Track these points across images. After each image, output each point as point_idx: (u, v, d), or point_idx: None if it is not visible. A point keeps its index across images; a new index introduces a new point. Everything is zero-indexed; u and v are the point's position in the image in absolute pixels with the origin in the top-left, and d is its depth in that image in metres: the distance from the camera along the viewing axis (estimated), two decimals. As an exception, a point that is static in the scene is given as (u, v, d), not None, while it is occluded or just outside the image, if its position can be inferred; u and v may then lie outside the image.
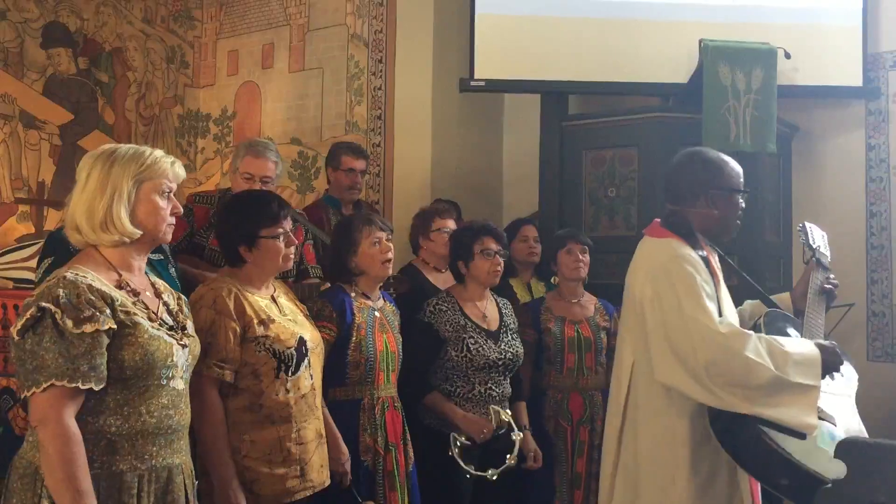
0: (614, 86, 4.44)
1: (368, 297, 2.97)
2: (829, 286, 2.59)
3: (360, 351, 2.84)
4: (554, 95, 4.49)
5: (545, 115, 4.51)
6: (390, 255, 2.95)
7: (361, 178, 4.20)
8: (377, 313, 2.95)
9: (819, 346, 2.35)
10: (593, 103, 4.90)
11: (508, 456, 3.04)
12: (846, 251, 4.51)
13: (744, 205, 2.56)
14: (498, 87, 4.65)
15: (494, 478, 3.01)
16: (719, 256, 2.62)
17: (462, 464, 2.97)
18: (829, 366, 2.32)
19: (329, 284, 3.09)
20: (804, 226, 2.74)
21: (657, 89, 4.42)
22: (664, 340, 2.36)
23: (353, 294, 2.93)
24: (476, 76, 4.42)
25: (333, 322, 2.81)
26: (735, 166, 2.58)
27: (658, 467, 2.42)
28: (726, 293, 2.53)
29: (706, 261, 2.45)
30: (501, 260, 3.23)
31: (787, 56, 4.08)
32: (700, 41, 4.05)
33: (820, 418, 2.27)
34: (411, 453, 2.97)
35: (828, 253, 2.70)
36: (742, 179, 2.56)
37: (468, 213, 4.30)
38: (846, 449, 3.84)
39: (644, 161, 4.16)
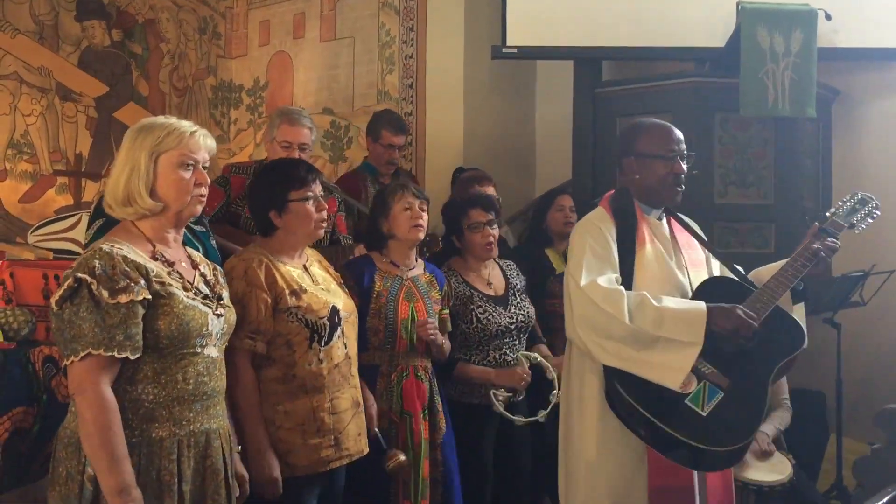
0: (649, 51, 4.35)
1: (398, 266, 2.98)
2: (822, 250, 2.48)
3: (379, 318, 2.86)
4: (587, 62, 4.43)
5: (578, 82, 4.44)
6: (421, 221, 2.96)
7: (399, 153, 4.24)
8: (405, 281, 2.96)
9: (710, 306, 2.37)
10: (627, 69, 4.83)
11: (553, 393, 3.09)
12: (887, 217, 4.38)
13: (676, 168, 2.57)
14: (530, 54, 4.59)
15: (543, 419, 3.10)
16: (689, 225, 2.70)
17: (511, 416, 3.03)
18: (718, 325, 2.36)
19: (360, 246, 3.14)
20: (860, 196, 2.65)
21: (693, 54, 4.34)
22: (567, 299, 2.53)
23: (379, 263, 2.96)
24: (508, 43, 4.36)
25: (352, 290, 2.83)
26: (659, 132, 2.62)
27: (576, 424, 2.56)
28: (656, 257, 2.55)
29: (631, 227, 2.53)
30: (491, 230, 3.21)
31: (828, 17, 3.97)
32: (737, 3, 3.96)
33: (704, 379, 2.35)
34: (442, 423, 2.98)
35: (854, 222, 2.59)
36: (669, 144, 2.58)
37: (500, 182, 4.27)
38: (887, 418, 3.81)
39: (679, 127, 3.93)
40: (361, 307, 2.83)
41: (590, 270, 2.46)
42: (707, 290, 2.50)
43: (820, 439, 4.12)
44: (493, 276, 3.28)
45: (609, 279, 2.45)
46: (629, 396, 2.35)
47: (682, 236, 2.66)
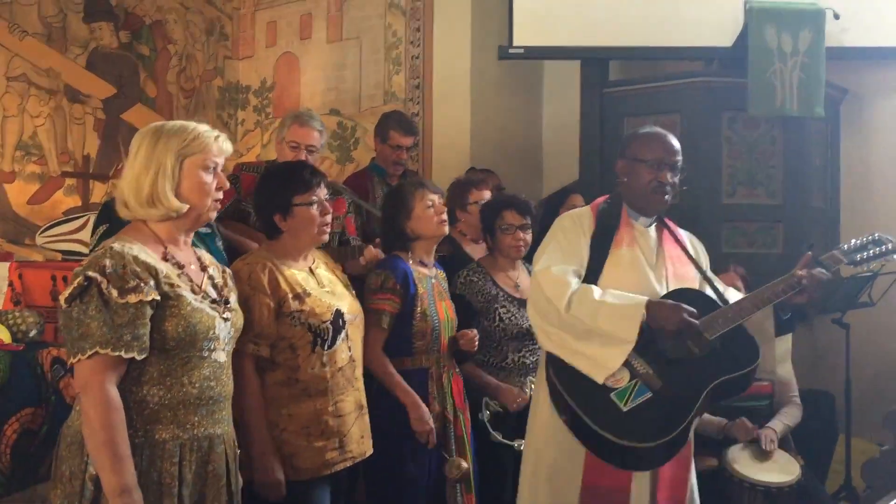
0: (656, 51, 4.35)
1: (425, 265, 2.99)
2: (806, 279, 2.41)
3: (426, 320, 2.86)
4: (594, 62, 4.42)
5: (585, 82, 4.44)
6: (444, 216, 2.97)
7: (407, 153, 4.23)
8: (434, 281, 2.98)
9: (651, 300, 2.37)
10: (635, 69, 4.82)
11: None
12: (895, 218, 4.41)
13: (661, 177, 2.52)
14: (537, 54, 4.59)
15: (521, 448, 3.02)
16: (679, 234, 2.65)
17: (490, 429, 2.99)
18: (657, 319, 2.35)
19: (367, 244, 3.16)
20: (877, 236, 2.57)
21: (701, 53, 4.33)
22: None
23: (412, 264, 2.95)
24: (515, 43, 4.37)
25: (397, 294, 2.83)
26: (651, 139, 2.59)
27: (532, 408, 2.61)
28: (631, 262, 2.52)
29: (611, 229, 2.53)
30: (524, 234, 3.20)
31: (836, 17, 3.96)
32: (745, 3, 3.95)
33: (636, 377, 2.34)
34: (468, 417, 3.00)
35: (858, 260, 2.51)
36: (657, 152, 2.54)
37: (508, 182, 4.28)
38: (893, 419, 3.77)
39: (687, 127, 4.08)
40: (406, 310, 2.84)
41: (548, 259, 2.50)
42: (673, 299, 2.46)
43: (828, 440, 4.10)
44: (521, 279, 3.27)
45: (564, 270, 2.46)
46: (557, 381, 2.39)
47: (674, 250, 2.62)
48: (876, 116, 4.56)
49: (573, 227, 2.57)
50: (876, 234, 2.57)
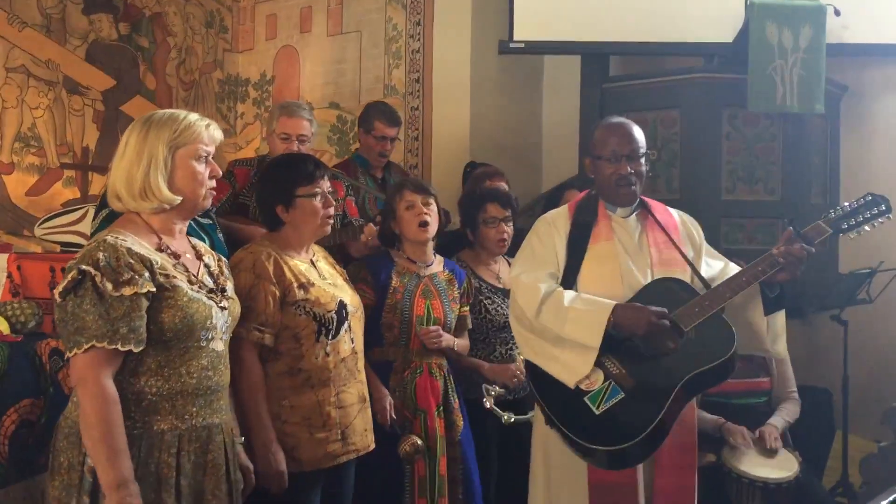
0: (657, 46, 4.34)
1: (415, 262, 2.97)
2: (782, 256, 2.36)
3: (395, 314, 2.86)
4: (595, 57, 4.41)
5: (585, 77, 4.43)
6: (426, 217, 2.94)
7: (392, 144, 4.20)
8: (424, 279, 2.96)
9: (618, 305, 2.33)
10: (635, 64, 4.81)
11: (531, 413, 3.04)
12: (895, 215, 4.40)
13: (620, 169, 2.50)
14: (537, 48, 4.58)
15: (512, 420, 2.99)
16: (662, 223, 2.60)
17: (499, 411, 2.97)
18: (625, 325, 2.31)
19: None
20: (870, 198, 2.48)
21: (701, 49, 4.32)
22: None
23: (397, 258, 2.96)
24: (515, 38, 4.35)
25: (369, 284, 2.85)
26: (606, 133, 2.57)
27: (536, 409, 2.55)
28: (609, 254, 2.50)
29: (587, 225, 2.52)
30: (507, 227, 3.20)
31: (837, 13, 3.95)
32: (746, -1, 3.95)
33: (610, 378, 2.31)
34: (459, 421, 2.96)
35: (845, 227, 2.44)
36: (612, 146, 2.52)
37: (507, 177, 4.27)
38: (894, 416, 3.77)
39: (687, 123, 4.08)
40: (377, 302, 2.84)
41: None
42: (650, 290, 2.43)
43: (826, 436, 4.11)
44: (502, 271, 3.29)
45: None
46: (535, 389, 2.40)
47: (660, 236, 2.57)
48: (876, 113, 4.56)
49: (546, 231, 2.57)
50: (869, 196, 2.49)
